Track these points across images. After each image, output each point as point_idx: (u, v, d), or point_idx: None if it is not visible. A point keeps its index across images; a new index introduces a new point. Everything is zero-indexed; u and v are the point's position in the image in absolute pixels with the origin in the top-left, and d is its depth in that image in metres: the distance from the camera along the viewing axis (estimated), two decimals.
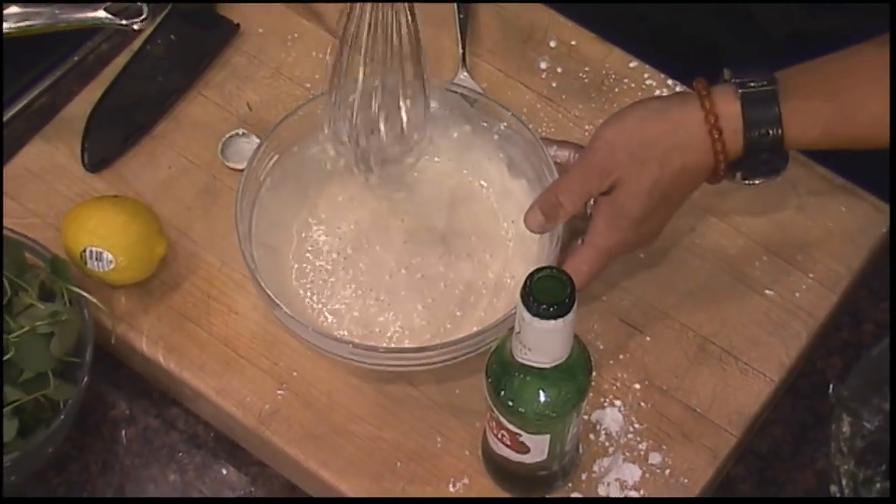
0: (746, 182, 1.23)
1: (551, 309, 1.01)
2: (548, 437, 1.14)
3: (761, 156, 1.20)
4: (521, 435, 1.14)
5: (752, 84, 1.19)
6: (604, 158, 1.21)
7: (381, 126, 1.26)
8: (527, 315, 1.02)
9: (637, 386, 1.27)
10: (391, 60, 1.24)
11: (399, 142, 1.27)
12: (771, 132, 1.18)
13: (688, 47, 1.47)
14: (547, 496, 1.24)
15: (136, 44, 1.43)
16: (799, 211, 1.35)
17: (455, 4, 1.44)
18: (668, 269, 1.33)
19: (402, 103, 1.25)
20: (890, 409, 1.26)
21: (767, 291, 1.32)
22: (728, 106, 1.18)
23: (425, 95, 1.26)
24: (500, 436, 1.16)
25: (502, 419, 1.13)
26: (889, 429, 1.25)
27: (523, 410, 1.11)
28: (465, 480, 1.24)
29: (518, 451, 1.16)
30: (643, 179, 1.19)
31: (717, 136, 1.19)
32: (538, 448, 1.15)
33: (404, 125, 1.26)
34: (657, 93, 1.41)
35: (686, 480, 1.24)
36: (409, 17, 1.20)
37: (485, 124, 1.33)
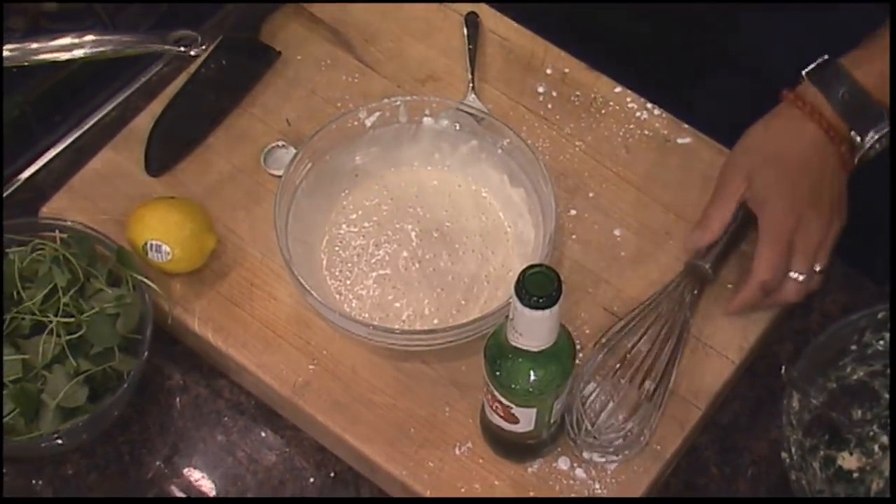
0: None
1: (540, 300, 1.01)
2: (535, 410, 1.14)
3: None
4: (512, 408, 1.14)
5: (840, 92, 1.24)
6: (728, 172, 1.27)
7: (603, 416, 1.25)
8: (519, 305, 1.02)
9: (618, 366, 1.26)
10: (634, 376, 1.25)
11: (615, 430, 1.25)
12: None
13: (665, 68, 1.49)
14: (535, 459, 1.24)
15: (192, 68, 1.42)
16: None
17: (465, 37, 1.44)
18: (646, 265, 1.33)
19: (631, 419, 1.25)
20: (890, 408, 1.26)
21: (730, 285, 1.31)
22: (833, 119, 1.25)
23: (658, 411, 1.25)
24: (494, 408, 1.15)
25: (497, 394, 1.13)
26: (889, 428, 1.26)
27: (515, 387, 1.11)
28: (469, 444, 1.24)
29: (510, 422, 1.16)
30: (768, 171, 1.24)
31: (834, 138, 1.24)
32: (527, 419, 1.15)
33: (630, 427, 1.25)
34: (638, 115, 1.40)
35: (658, 447, 1.24)
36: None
37: (490, 140, 1.33)
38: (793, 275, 1.26)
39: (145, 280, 1.26)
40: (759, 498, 1.27)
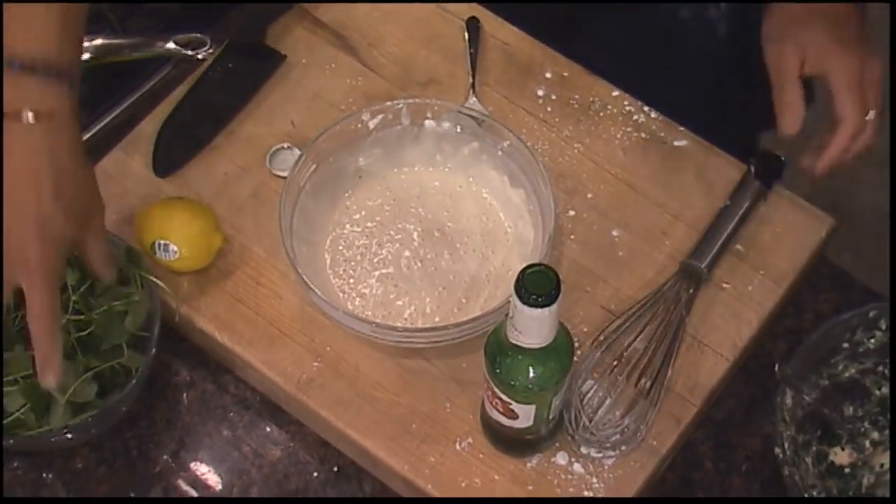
0: None
1: (539, 299, 1.01)
2: (534, 406, 1.14)
3: None
4: (511, 404, 1.14)
5: None
6: (774, 57, 1.29)
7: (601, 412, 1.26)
8: (519, 303, 1.02)
9: (615, 363, 1.27)
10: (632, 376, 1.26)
11: (612, 426, 1.25)
12: None
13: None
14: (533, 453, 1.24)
15: (200, 71, 1.42)
16: (753, 218, 1.35)
17: (466, 42, 1.44)
18: (643, 265, 1.33)
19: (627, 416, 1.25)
20: (890, 409, 1.26)
21: (725, 285, 1.32)
22: None
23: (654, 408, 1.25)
24: (494, 404, 1.16)
25: (497, 390, 1.13)
26: (889, 428, 1.26)
27: (514, 384, 1.11)
28: (469, 440, 1.24)
29: (509, 418, 1.16)
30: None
31: None
32: (526, 415, 1.15)
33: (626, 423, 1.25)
34: (635, 118, 1.40)
35: (655, 442, 1.24)
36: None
37: (490, 142, 1.33)
38: (869, 116, 1.26)
39: (153, 279, 1.26)
40: (770, 497, 1.26)
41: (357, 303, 1.30)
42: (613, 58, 1.45)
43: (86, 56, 1.32)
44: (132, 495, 1.27)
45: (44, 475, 1.28)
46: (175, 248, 1.29)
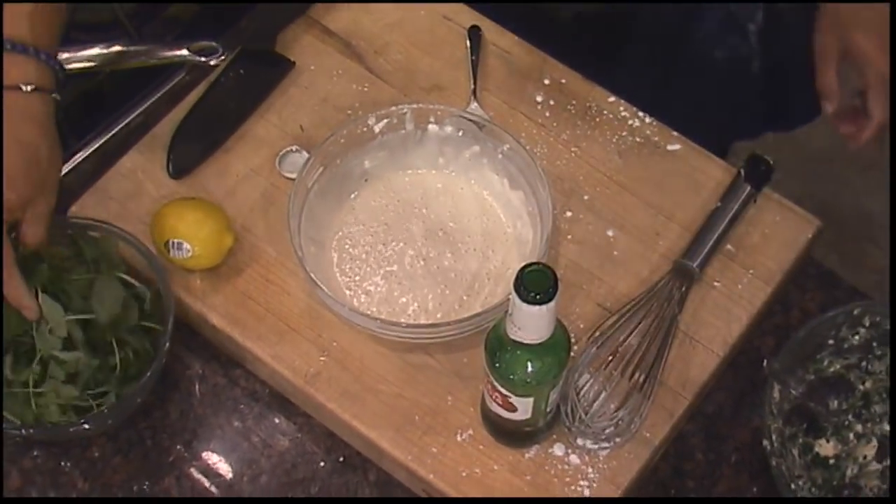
0: None
1: (537, 296, 1.02)
2: (532, 399, 1.14)
3: None
4: (510, 397, 1.14)
5: None
6: (819, 44, 1.34)
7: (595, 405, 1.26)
8: (518, 301, 1.02)
9: (610, 358, 1.27)
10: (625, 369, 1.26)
11: (607, 419, 1.25)
12: None
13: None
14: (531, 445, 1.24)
15: (212, 76, 1.42)
16: (743, 220, 1.35)
17: (468, 50, 1.44)
18: (637, 264, 1.33)
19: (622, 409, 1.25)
20: (891, 410, 1.27)
21: (716, 283, 1.32)
22: None
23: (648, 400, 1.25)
24: (494, 397, 1.16)
25: (496, 384, 1.13)
26: (889, 429, 1.27)
27: (513, 378, 1.11)
28: (470, 431, 1.24)
29: (508, 410, 1.16)
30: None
31: None
32: (524, 408, 1.15)
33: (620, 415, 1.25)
34: (630, 123, 1.40)
35: (648, 434, 1.24)
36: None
37: (491, 145, 1.33)
38: None
39: (167, 276, 1.27)
40: (773, 498, 1.25)
41: (362, 300, 1.30)
42: (646, 91, 1.46)
43: (105, 62, 1.32)
44: (146, 484, 1.28)
45: (62, 463, 1.28)
46: (188, 247, 1.29)
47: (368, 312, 1.28)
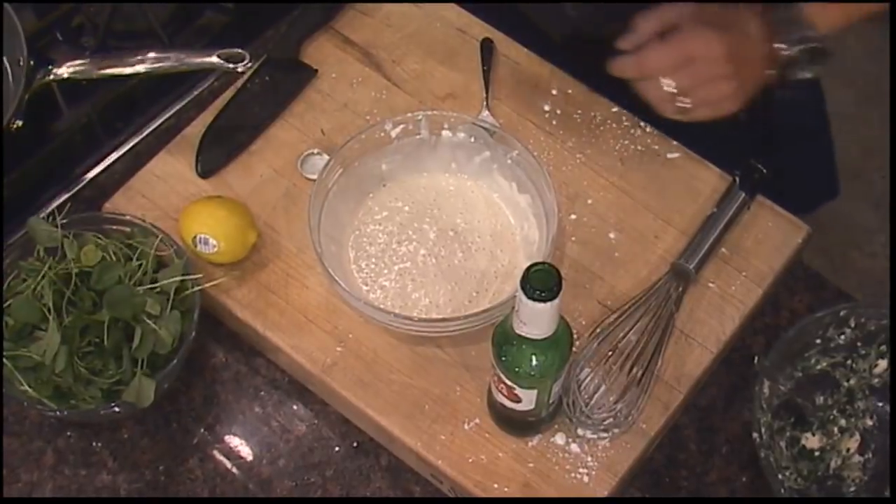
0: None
1: (542, 294, 1.02)
2: (536, 391, 1.14)
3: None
4: (515, 389, 1.14)
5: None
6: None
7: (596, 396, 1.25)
8: (524, 298, 1.02)
9: (610, 353, 1.27)
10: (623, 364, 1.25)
11: (606, 411, 1.25)
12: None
13: None
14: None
15: (239, 82, 1.42)
16: (737, 225, 1.35)
17: (481, 61, 1.44)
18: (637, 265, 1.33)
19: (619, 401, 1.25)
20: (891, 410, 1.27)
21: (710, 284, 1.32)
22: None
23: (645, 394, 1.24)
24: (500, 388, 1.16)
25: (502, 376, 1.13)
26: (889, 429, 1.26)
27: (518, 370, 1.11)
28: (477, 420, 1.24)
29: (513, 401, 1.16)
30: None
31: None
32: (528, 399, 1.15)
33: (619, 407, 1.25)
34: (632, 132, 1.40)
35: (644, 426, 1.24)
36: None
37: (501, 151, 1.32)
38: (667, 82, 1.25)
39: (193, 270, 1.27)
40: (766, 498, 1.25)
41: (377, 294, 1.30)
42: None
43: (138, 68, 1.32)
44: (172, 464, 1.28)
45: (93, 444, 1.28)
46: (214, 242, 1.29)
47: (383, 307, 1.28)
